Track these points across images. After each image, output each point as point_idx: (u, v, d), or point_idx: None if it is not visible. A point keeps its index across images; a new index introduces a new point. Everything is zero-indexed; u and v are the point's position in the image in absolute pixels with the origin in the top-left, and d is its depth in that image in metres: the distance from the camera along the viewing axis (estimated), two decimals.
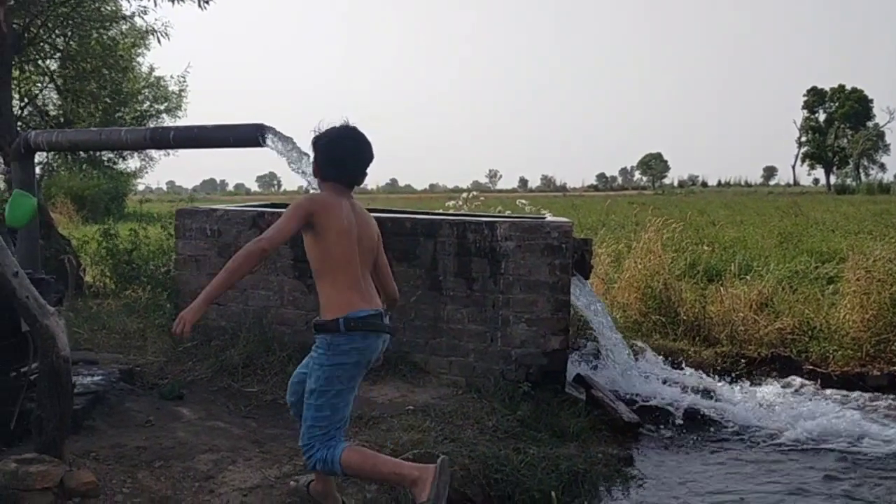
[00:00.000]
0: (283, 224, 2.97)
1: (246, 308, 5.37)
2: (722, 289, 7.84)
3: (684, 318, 7.39)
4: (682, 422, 5.03)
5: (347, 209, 3.07)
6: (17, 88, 13.28)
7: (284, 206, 6.51)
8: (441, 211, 8.18)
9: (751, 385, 5.87)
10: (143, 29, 11.70)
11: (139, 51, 23.95)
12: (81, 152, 27.14)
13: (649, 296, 7.76)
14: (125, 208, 27.19)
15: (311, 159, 3.20)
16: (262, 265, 5.33)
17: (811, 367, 6.22)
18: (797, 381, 5.99)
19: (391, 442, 3.88)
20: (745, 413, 5.13)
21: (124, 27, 14.05)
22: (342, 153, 3.10)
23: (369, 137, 3.17)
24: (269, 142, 5.84)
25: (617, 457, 4.34)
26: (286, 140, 5.95)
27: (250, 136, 5.82)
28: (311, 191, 5.69)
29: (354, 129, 3.15)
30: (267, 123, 5.76)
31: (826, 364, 6.42)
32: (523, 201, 11.18)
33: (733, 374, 6.12)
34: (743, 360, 6.39)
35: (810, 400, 5.49)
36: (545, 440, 4.29)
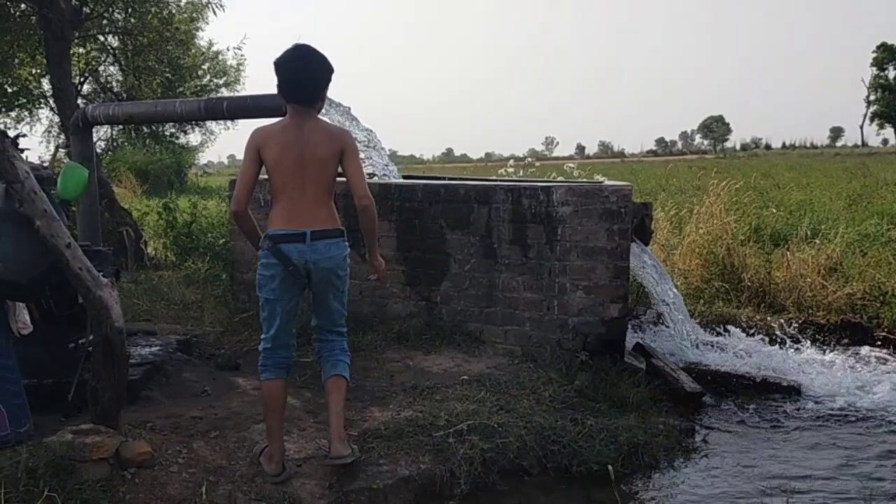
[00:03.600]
0: (241, 171, 3.34)
1: None
2: (788, 253, 7.56)
3: (748, 284, 7.16)
4: (746, 392, 4.85)
5: (290, 133, 3.22)
6: (77, 64, 13.46)
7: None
8: (495, 178, 8.05)
9: (819, 353, 5.64)
10: (199, 2, 11.71)
11: (197, 24, 24.20)
12: (144, 127, 27.69)
13: (711, 262, 7.53)
14: (186, 182, 27.68)
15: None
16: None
17: (884, 333, 5.94)
18: (867, 348, 5.73)
19: (445, 412, 3.82)
20: (812, 382, 4.92)
21: (182, 1, 14.14)
22: (290, 72, 3.21)
23: (323, 54, 3.25)
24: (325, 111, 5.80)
25: (678, 428, 4.20)
26: (338, 106, 5.90)
27: None
28: (369, 163, 5.64)
29: (303, 46, 3.26)
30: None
31: None
32: (571, 165, 10.78)
33: (801, 342, 5.88)
34: (811, 327, 6.15)
35: (882, 368, 5.24)
36: (604, 411, 4.17)
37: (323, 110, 5.63)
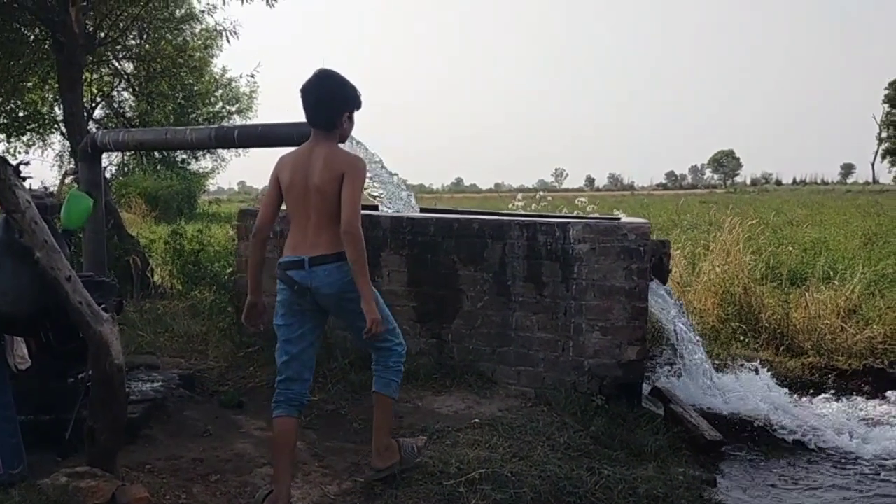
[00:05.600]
0: (263, 197, 3.49)
1: None
2: (807, 294, 7.39)
3: (766, 325, 6.99)
4: (769, 441, 4.66)
5: (301, 159, 3.28)
6: (89, 88, 13.49)
7: None
8: (507, 211, 7.92)
9: (842, 400, 5.46)
10: (214, 29, 11.75)
11: (211, 52, 24.38)
12: (156, 153, 27.80)
13: (728, 301, 7.37)
14: (196, 208, 27.68)
15: None
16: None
17: None
18: (893, 396, 5.53)
19: (456, 459, 3.65)
20: (835, 432, 4.73)
21: (197, 28, 14.22)
22: (307, 94, 3.29)
23: (342, 79, 3.31)
24: None
25: (699, 479, 4.00)
26: (355, 142, 5.81)
27: None
28: (375, 193, 5.52)
29: (323, 70, 3.33)
30: None
31: None
32: (583, 199, 10.63)
33: (822, 388, 5.70)
34: (832, 373, 5.96)
35: None
36: (621, 459, 3.99)
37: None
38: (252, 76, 27.78)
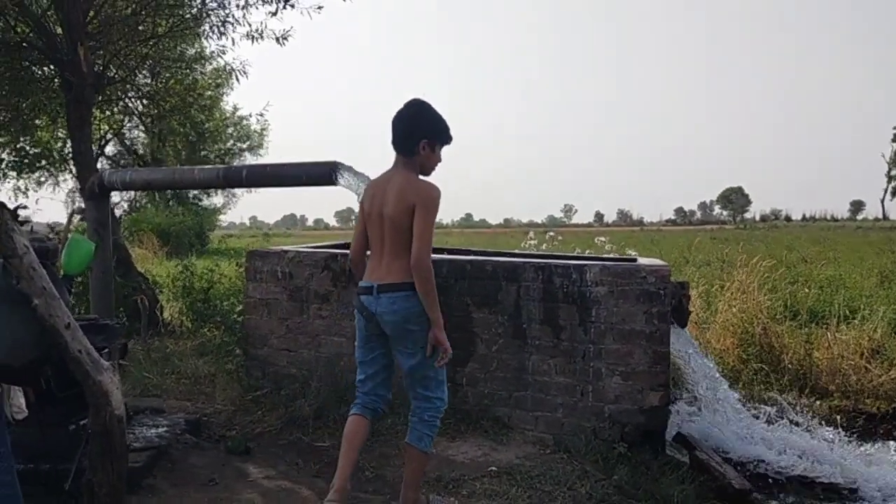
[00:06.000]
0: (355, 229, 3.64)
1: (318, 355, 5.07)
2: (829, 334, 7.21)
3: (788, 366, 6.80)
4: (799, 490, 4.47)
5: (379, 186, 3.40)
6: (99, 127, 13.50)
7: None
8: (518, 250, 7.78)
9: (871, 445, 5.25)
10: (224, 69, 11.76)
11: (222, 90, 24.52)
12: (171, 190, 27.89)
13: (748, 342, 7.19)
14: (208, 244, 27.70)
15: None
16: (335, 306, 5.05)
17: None
18: None
19: None
20: (867, 480, 4.53)
21: (208, 68, 14.27)
22: (393, 120, 3.41)
23: (426, 106, 3.40)
24: (341, 180, 5.61)
25: None
26: (360, 177, 5.71)
27: (323, 174, 5.61)
28: None
29: (412, 99, 3.44)
30: (340, 161, 5.55)
31: None
32: (602, 239, 10.50)
33: (850, 432, 5.49)
34: (861, 416, 5.76)
35: None
36: None
37: (342, 181, 5.47)
38: (262, 115, 27.94)
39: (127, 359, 6.00)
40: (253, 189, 29.70)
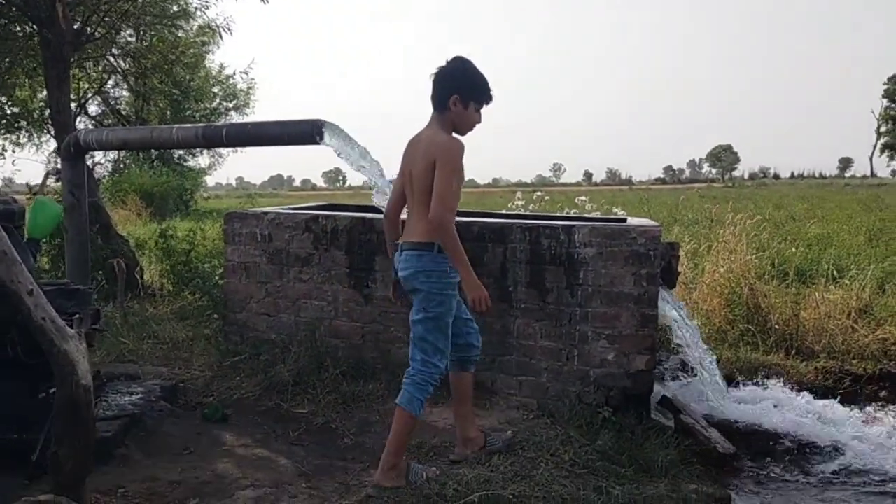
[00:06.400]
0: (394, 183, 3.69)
1: (298, 319, 4.95)
2: (816, 294, 7.15)
3: (775, 326, 6.74)
4: (782, 452, 4.42)
5: (412, 143, 3.42)
6: (77, 85, 13.21)
7: (341, 206, 6.11)
8: (506, 211, 7.64)
9: (858, 408, 5.21)
10: (208, 26, 11.47)
11: (207, 48, 24.02)
12: (153, 150, 27.51)
13: (735, 302, 7.12)
14: (192, 205, 27.42)
15: None
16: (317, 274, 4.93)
17: None
18: None
19: (454, 480, 3.38)
20: (855, 444, 4.47)
21: (195, 25, 13.91)
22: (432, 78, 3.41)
23: (460, 62, 3.38)
24: (325, 138, 5.44)
25: (712, 497, 3.75)
26: (344, 136, 5.55)
27: (306, 132, 5.43)
28: (373, 188, 5.27)
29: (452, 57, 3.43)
30: (324, 119, 5.37)
31: None
32: (583, 198, 10.36)
33: (837, 394, 5.45)
34: (847, 378, 5.71)
35: None
36: (630, 476, 3.72)
37: (326, 140, 5.30)
38: (246, 73, 27.47)
39: (102, 324, 5.89)
40: (239, 149, 29.42)
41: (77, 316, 3.54)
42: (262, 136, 5.81)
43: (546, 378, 4.46)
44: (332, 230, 4.85)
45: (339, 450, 3.91)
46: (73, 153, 6.00)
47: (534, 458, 3.77)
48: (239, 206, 10.19)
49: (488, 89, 3.41)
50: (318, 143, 5.43)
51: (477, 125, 3.46)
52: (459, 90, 3.33)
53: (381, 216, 4.90)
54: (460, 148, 3.29)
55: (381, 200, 4.82)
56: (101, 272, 7.81)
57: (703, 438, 4.26)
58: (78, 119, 21.70)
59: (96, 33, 9.23)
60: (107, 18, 9.24)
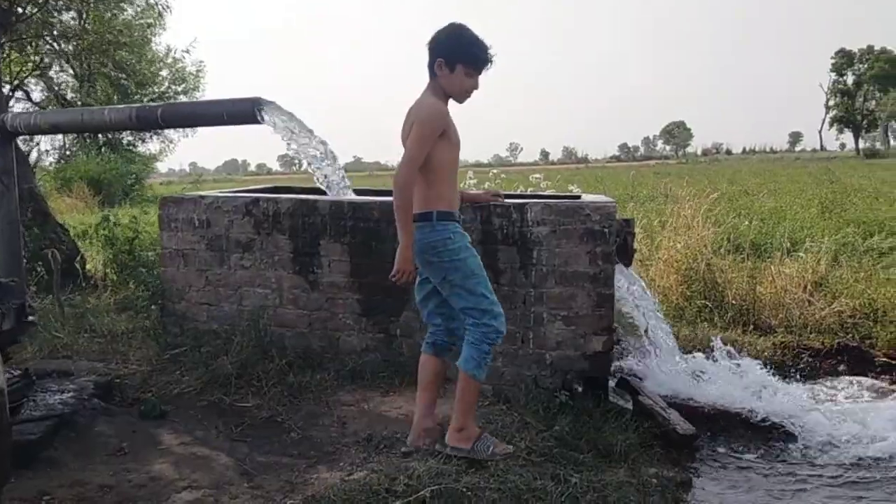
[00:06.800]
0: None
1: (241, 308, 4.72)
2: (772, 268, 7.11)
3: (732, 302, 6.68)
4: (743, 432, 4.33)
5: (406, 116, 3.34)
6: (8, 68, 12.65)
7: (285, 189, 5.86)
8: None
9: (817, 383, 5.16)
10: (146, 2, 11.03)
11: (153, 30, 23.34)
12: (100, 135, 26.73)
13: (692, 278, 7.05)
14: (138, 191, 26.74)
15: None
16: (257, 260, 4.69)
17: (886, 358, 5.46)
18: (867, 380, 5.22)
19: (404, 474, 3.21)
20: (815, 421, 4.38)
21: (139, 8, 13.43)
22: None
23: (449, 28, 3.32)
24: (266, 117, 5.18)
25: (673, 481, 3.64)
26: (286, 115, 5.30)
27: (246, 111, 5.16)
28: (313, 169, 5.04)
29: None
30: (265, 97, 5.12)
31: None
32: (537, 176, 10.23)
33: (796, 370, 5.40)
34: (806, 353, 5.66)
35: (889, 403, 4.75)
36: (588, 463, 3.59)
37: (267, 119, 5.05)
38: (187, 51, 26.86)
39: (34, 318, 5.58)
40: (191, 133, 28.77)
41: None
42: (199, 115, 5.53)
43: (501, 362, 4.30)
44: (274, 213, 4.61)
45: (284, 445, 3.71)
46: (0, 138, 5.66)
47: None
48: (186, 192, 9.86)
49: (478, 52, 3.30)
50: (258, 121, 5.18)
51: (473, 90, 3.37)
52: (443, 53, 3.26)
53: (325, 199, 4.69)
54: (438, 111, 3.26)
55: (325, 181, 4.62)
56: (39, 263, 7.47)
57: (662, 420, 4.14)
58: (17, 104, 20.94)
59: (26, 12, 8.77)
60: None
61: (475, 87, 3.36)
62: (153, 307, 5.08)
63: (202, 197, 4.86)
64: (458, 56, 3.26)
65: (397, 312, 4.46)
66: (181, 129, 26.33)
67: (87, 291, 7.27)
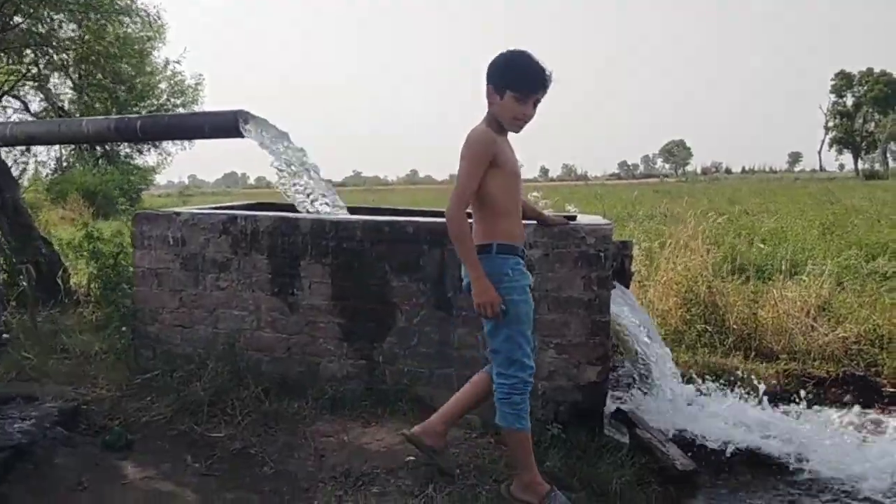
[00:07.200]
0: None
1: (216, 331, 4.47)
2: (775, 291, 6.89)
3: (734, 326, 6.46)
4: (744, 468, 4.09)
5: None
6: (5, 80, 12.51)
7: (268, 205, 5.63)
8: None
9: (822, 414, 4.92)
10: (130, 9, 10.88)
11: (153, 43, 23.22)
12: (97, 147, 26.61)
13: (692, 301, 6.82)
14: (139, 204, 26.62)
15: None
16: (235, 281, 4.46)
17: (893, 389, 5.23)
18: (874, 413, 4.99)
19: None
20: (819, 454, 4.16)
21: (135, 21, 13.29)
22: None
23: (505, 55, 3.16)
24: (249, 130, 4.99)
25: None
26: (267, 128, 5.12)
27: (227, 123, 4.99)
28: (284, 186, 4.83)
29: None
30: (247, 109, 4.93)
31: None
32: (536, 194, 9.97)
33: (800, 400, 5.16)
34: (810, 381, 5.42)
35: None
36: (582, 501, 3.37)
37: (250, 132, 4.86)
38: (178, 62, 26.87)
39: (4, 338, 5.34)
40: (188, 145, 28.62)
41: None
42: (180, 127, 5.37)
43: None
44: (253, 232, 4.38)
45: (256, 480, 3.47)
46: None
47: (474, 485, 3.38)
48: (175, 206, 9.61)
49: (527, 78, 3.10)
50: (242, 135, 4.98)
51: (526, 118, 3.16)
52: (493, 80, 3.12)
53: (305, 217, 4.47)
54: (483, 139, 3.11)
55: (302, 200, 4.42)
56: (21, 277, 7.25)
57: (660, 455, 3.91)
58: (14, 115, 20.83)
59: (12, 22, 8.60)
60: (23, 6, 8.62)
61: (527, 113, 3.15)
62: (124, 329, 4.84)
63: (177, 214, 4.63)
64: (506, 82, 3.10)
65: (380, 338, 4.23)
66: (179, 142, 26.21)
67: (68, 307, 7.04)
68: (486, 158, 3.08)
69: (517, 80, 3.10)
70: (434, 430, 3.42)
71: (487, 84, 3.14)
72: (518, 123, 3.17)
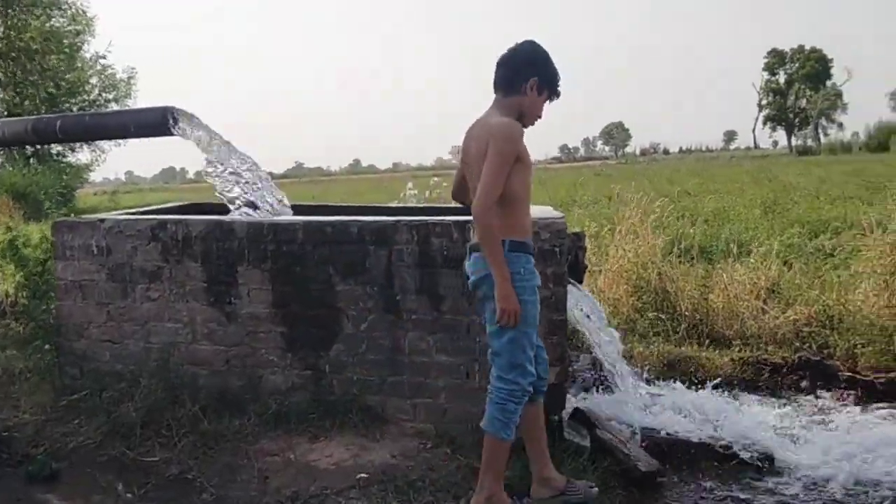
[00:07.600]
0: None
1: (148, 346, 4.18)
2: (724, 275, 6.82)
3: (686, 313, 6.37)
4: (708, 464, 3.97)
5: (471, 131, 3.16)
6: None
7: (203, 205, 5.33)
8: (395, 204, 6.97)
9: (780, 402, 4.85)
10: (53, 2, 10.34)
11: (83, 38, 22.37)
12: (27, 146, 25.58)
13: (643, 289, 6.72)
14: (74, 203, 25.65)
15: None
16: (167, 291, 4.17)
17: (850, 373, 5.18)
18: (826, 394, 4.95)
19: None
20: (783, 448, 4.06)
21: (64, 14, 12.69)
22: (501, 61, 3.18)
23: (529, 46, 3.14)
24: (179, 128, 4.68)
25: None
26: (198, 125, 4.82)
27: (157, 121, 4.67)
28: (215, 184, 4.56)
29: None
30: (177, 106, 4.62)
31: (854, 362, 5.44)
32: None
33: (757, 387, 5.09)
34: (766, 368, 5.35)
35: (857, 421, 4.46)
36: None
37: (179, 130, 4.56)
38: (104, 56, 26.08)
39: None
40: (123, 142, 27.75)
41: None
42: (103, 126, 5.04)
43: (444, 399, 3.87)
44: (184, 238, 4.09)
45: None
46: None
47: (431, 501, 3.19)
48: (105, 205, 9.18)
49: (558, 81, 3.16)
50: (172, 133, 4.68)
51: (538, 119, 3.18)
52: (539, 74, 3.07)
53: (241, 220, 4.21)
54: (516, 132, 3.01)
55: (237, 208, 4.16)
56: None
57: (622, 456, 3.75)
58: None
59: None
60: None
61: (541, 116, 3.20)
62: (47, 346, 4.51)
63: (101, 220, 4.31)
64: (550, 81, 3.12)
65: (326, 346, 3.99)
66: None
67: None
68: (516, 154, 2.97)
69: (555, 80, 3.12)
70: (543, 478, 3.29)
71: (530, 77, 3.06)
72: (536, 121, 3.16)
